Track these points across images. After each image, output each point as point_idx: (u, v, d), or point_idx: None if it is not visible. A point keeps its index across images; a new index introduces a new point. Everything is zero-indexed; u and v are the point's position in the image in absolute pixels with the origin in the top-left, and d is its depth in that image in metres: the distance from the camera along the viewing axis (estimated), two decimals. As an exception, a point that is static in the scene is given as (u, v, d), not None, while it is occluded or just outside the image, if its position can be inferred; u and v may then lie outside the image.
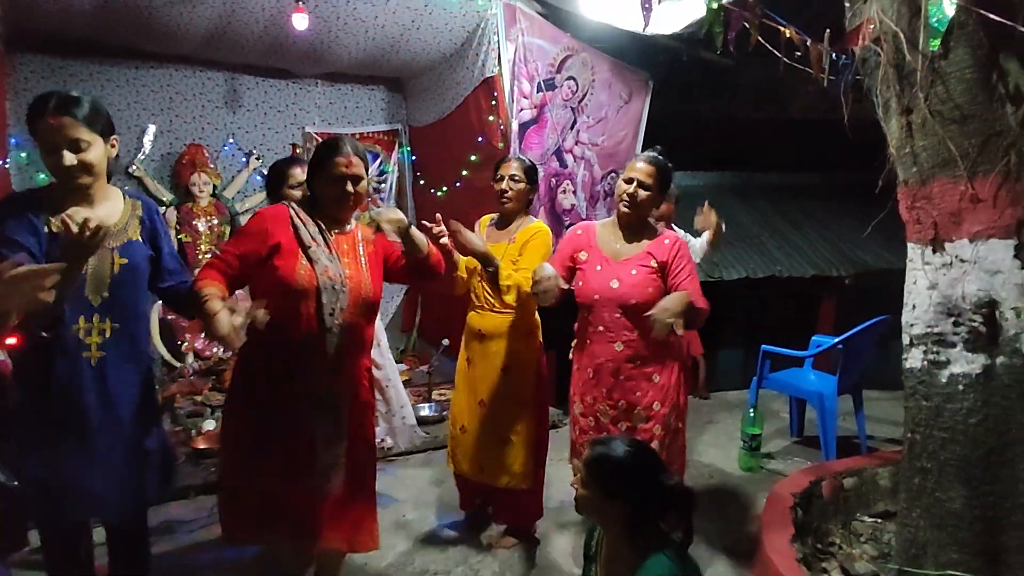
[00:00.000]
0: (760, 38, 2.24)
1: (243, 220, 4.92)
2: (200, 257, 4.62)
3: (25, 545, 1.97)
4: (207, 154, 4.75)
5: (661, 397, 2.33)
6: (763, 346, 3.84)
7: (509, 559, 2.64)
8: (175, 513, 2.93)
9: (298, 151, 5.08)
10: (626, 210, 2.36)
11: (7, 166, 3.96)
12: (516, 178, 2.64)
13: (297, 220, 1.95)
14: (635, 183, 2.32)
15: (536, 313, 2.68)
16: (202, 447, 3.40)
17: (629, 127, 4.92)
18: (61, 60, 4.39)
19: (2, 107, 4.04)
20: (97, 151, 1.72)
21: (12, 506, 1.70)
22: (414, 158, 5.60)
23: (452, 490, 3.05)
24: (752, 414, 3.52)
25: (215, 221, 4.71)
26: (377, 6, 4.07)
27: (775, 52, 2.45)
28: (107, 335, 1.76)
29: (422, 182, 5.48)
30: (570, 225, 4.55)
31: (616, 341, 2.33)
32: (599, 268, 2.37)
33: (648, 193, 2.33)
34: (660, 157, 2.38)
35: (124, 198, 1.88)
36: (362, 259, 2.04)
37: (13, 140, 4.13)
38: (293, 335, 1.88)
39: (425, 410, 4.10)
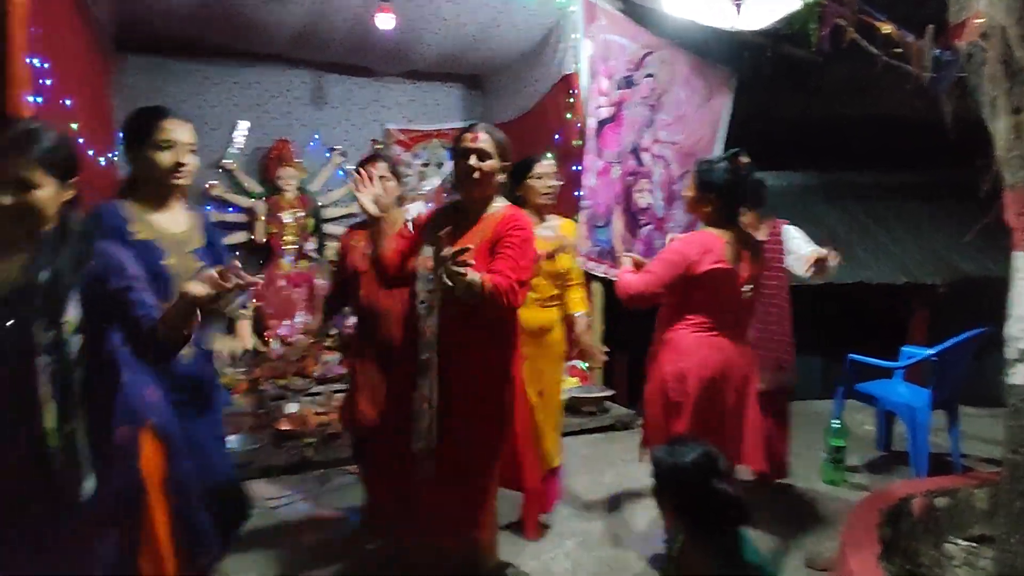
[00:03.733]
0: (856, 34, 2.15)
1: (326, 213, 5.12)
2: (285, 247, 4.83)
3: None
4: (294, 149, 4.94)
5: None
6: (850, 355, 3.67)
7: (578, 552, 2.65)
8: (260, 491, 3.07)
9: (378, 147, 5.22)
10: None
11: (115, 158, 4.25)
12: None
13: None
14: None
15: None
16: (284, 428, 3.55)
17: (709, 125, 4.80)
18: (162, 59, 4.66)
19: (110, 103, 4.35)
20: (195, 157, 1.89)
21: None
22: (490, 155, 5.65)
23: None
24: (837, 425, 3.38)
25: (300, 213, 4.90)
26: (459, 4, 4.13)
27: (871, 48, 2.35)
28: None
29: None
30: (645, 225, 4.50)
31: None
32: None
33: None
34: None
35: (186, 208, 2.02)
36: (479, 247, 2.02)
37: (120, 134, 4.42)
38: None
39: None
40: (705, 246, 2.30)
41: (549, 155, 2.91)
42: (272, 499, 3.04)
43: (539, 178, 2.72)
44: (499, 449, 2.14)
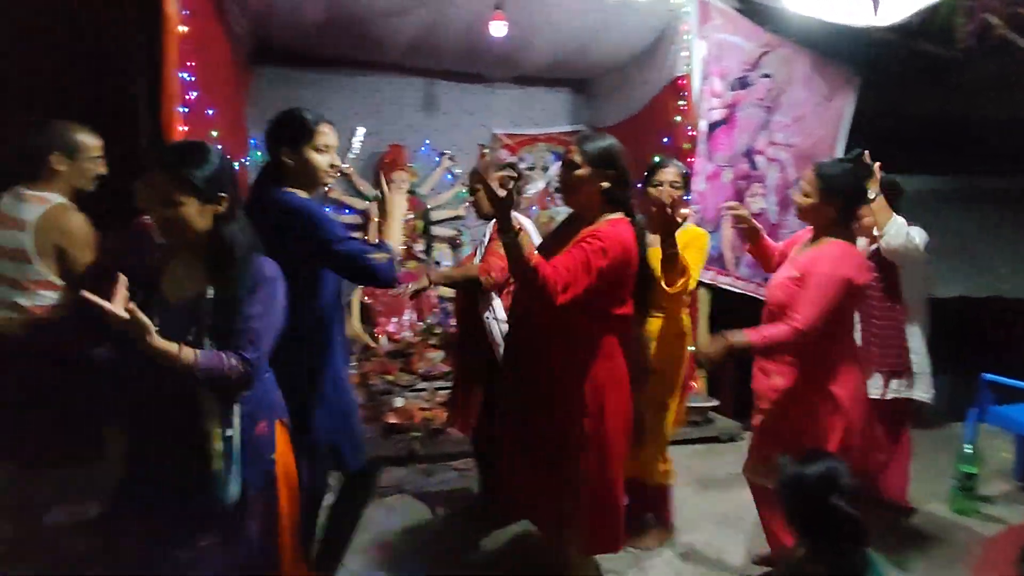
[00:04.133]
0: (1008, 29, 1.98)
1: (434, 216, 5.29)
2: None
3: None
4: (406, 154, 5.14)
5: None
6: (985, 375, 3.37)
7: (678, 563, 2.59)
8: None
9: (485, 152, 5.34)
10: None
11: (247, 164, 4.59)
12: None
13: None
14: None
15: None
16: (392, 422, 3.70)
17: (829, 126, 4.56)
18: (290, 70, 4.98)
19: (244, 112, 4.70)
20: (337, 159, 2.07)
21: None
22: (595, 159, 5.63)
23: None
24: (969, 451, 3.11)
25: (410, 216, 5.09)
26: (570, 9, 4.14)
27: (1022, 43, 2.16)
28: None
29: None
30: (757, 230, 4.33)
31: None
32: None
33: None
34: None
35: None
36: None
37: (252, 141, 4.77)
38: None
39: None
40: (859, 263, 2.21)
41: (675, 161, 2.79)
42: (380, 488, 3.19)
43: (658, 186, 2.64)
44: (588, 451, 2.07)
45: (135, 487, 1.49)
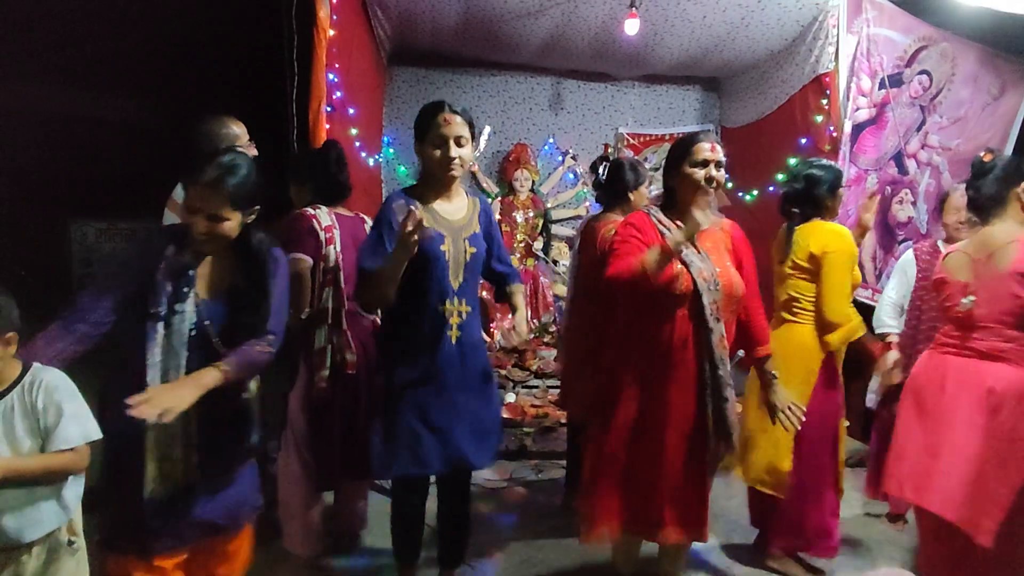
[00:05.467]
0: None
1: (554, 214, 5.31)
2: (515, 245, 5.09)
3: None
4: (530, 152, 5.19)
5: None
6: None
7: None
8: (482, 473, 3.26)
9: (609, 151, 5.28)
10: None
11: (380, 159, 4.82)
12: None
13: (660, 226, 2.00)
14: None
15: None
16: (504, 416, 3.74)
17: (996, 127, 4.11)
18: (424, 71, 5.18)
19: (381, 111, 4.94)
20: (470, 149, 1.99)
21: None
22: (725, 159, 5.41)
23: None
24: None
25: (531, 213, 5.14)
26: (707, 5, 4.01)
27: None
28: (463, 317, 1.97)
29: (730, 184, 5.28)
30: (903, 241, 3.99)
31: None
32: None
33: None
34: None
35: (466, 195, 2.12)
36: (725, 255, 2.04)
37: (386, 139, 5.00)
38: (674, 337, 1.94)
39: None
40: None
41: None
42: (493, 480, 3.24)
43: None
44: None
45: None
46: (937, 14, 3.73)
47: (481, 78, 5.27)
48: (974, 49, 3.91)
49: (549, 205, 5.32)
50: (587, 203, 5.39)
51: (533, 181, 5.20)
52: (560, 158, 5.40)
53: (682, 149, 2.01)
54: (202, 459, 1.58)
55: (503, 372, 4.43)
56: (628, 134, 5.43)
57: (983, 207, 2.05)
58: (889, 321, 2.81)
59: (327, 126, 3.06)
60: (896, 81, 3.81)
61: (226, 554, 1.73)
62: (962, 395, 1.96)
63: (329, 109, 3.11)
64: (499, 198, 5.20)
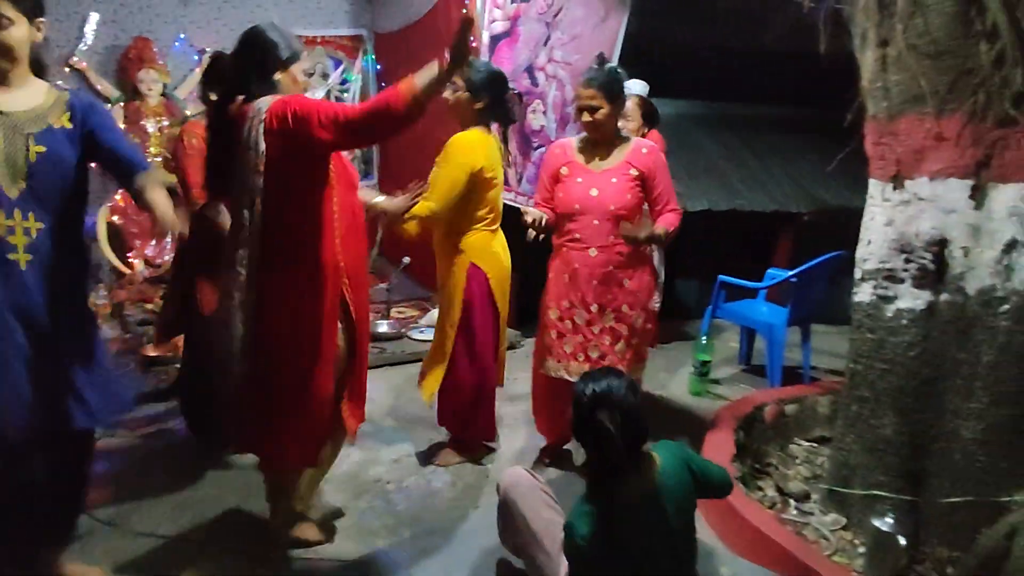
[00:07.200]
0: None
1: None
2: (149, 159, 4.40)
3: None
4: (156, 49, 4.46)
5: (631, 300, 2.49)
6: (720, 276, 3.91)
7: (460, 470, 2.73)
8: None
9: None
10: (592, 133, 2.50)
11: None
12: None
13: None
14: (585, 110, 2.42)
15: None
16: (152, 355, 3.34)
17: (604, 46, 4.73)
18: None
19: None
20: (20, 31, 1.57)
21: None
22: (379, 67, 5.36)
23: (407, 404, 3.14)
24: (704, 341, 3.62)
25: (165, 122, 4.47)
26: None
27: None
28: (33, 236, 1.62)
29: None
30: (539, 147, 4.47)
31: (591, 247, 2.46)
32: (580, 180, 2.49)
33: (603, 111, 2.41)
34: (596, 75, 2.43)
35: (49, 89, 1.70)
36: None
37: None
38: None
39: (383, 327, 4.10)
40: None
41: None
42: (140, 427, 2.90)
43: None
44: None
45: None
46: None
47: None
48: (584, -27, 4.40)
49: (189, 113, 4.67)
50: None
51: (164, 84, 4.51)
52: (196, 57, 4.75)
53: None
54: None
55: (149, 306, 3.92)
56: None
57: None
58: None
59: None
60: (525, -4, 4.11)
61: None
62: None
63: None
64: (121, 103, 4.40)
